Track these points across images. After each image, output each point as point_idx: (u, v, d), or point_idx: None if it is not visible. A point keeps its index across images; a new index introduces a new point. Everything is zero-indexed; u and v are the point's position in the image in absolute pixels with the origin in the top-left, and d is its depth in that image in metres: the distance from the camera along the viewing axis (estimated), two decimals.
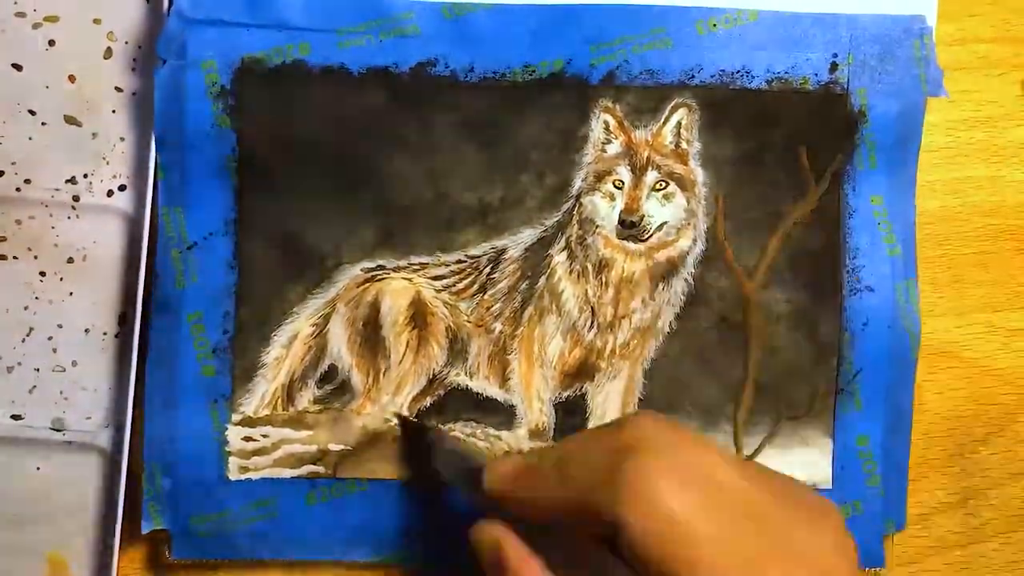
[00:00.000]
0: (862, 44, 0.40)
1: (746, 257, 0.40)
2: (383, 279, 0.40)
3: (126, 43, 0.40)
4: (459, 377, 0.40)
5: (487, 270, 0.40)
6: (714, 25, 0.40)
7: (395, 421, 0.39)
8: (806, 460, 0.40)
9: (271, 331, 0.39)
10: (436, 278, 0.40)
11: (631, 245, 0.40)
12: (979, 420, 0.42)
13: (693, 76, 0.40)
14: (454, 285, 0.40)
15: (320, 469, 0.39)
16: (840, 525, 0.27)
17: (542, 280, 0.40)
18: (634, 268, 0.40)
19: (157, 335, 0.39)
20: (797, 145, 0.40)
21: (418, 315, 0.40)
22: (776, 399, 0.40)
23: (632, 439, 0.26)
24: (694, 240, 0.40)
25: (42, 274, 0.40)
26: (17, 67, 0.40)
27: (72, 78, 0.40)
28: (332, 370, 0.40)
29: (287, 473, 0.39)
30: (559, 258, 0.40)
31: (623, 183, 0.40)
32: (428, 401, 0.40)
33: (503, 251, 0.40)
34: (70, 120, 0.40)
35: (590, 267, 0.40)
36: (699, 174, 0.40)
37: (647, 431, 0.27)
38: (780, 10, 0.40)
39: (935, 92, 0.40)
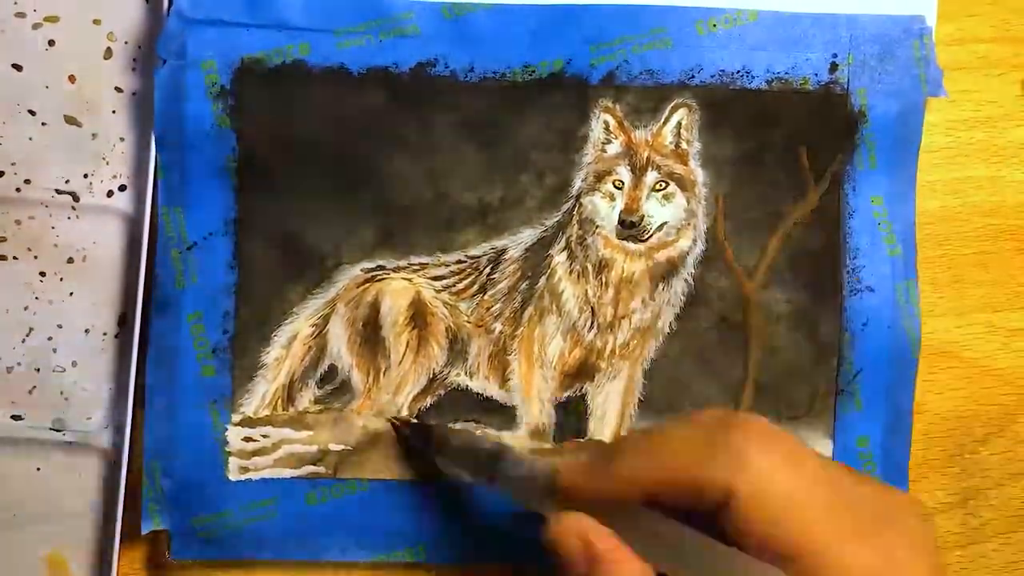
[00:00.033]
0: (862, 44, 0.40)
1: (746, 257, 0.40)
2: (383, 279, 0.40)
3: (126, 43, 0.40)
4: (459, 377, 0.40)
5: (487, 270, 0.40)
6: (714, 25, 0.40)
7: (397, 426, 0.39)
8: None
9: (271, 331, 0.39)
10: (436, 278, 0.40)
11: (631, 245, 0.40)
12: (979, 420, 0.42)
13: (693, 76, 0.40)
14: (454, 285, 0.40)
15: (320, 469, 0.39)
16: (918, 506, 0.28)
17: (542, 280, 0.40)
18: (634, 268, 0.40)
19: (157, 335, 0.39)
20: (797, 145, 0.40)
21: (418, 315, 0.40)
22: (776, 399, 0.40)
23: (731, 419, 0.27)
24: (694, 240, 0.40)
25: (42, 274, 0.40)
26: (17, 67, 0.40)
27: (72, 78, 0.40)
28: (332, 370, 0.40)
29: (287, 473, 0.39)
30: (559, 258, 0.40)
31: (623, 183, 0.40)
32: (428, 401, 0.40)
33: (503, 251, 0.40)
34: (70, 120, 0.40)
35: (590, 267, 0.40)
36: (699, 174, 0.40)
37: (742, 415, 0.28)
38: (780, 10, 0.40)
39: (935, 92, 0.40)
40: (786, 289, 0.40)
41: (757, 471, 0.26)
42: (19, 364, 0.40)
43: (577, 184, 0.40)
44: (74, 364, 0.40)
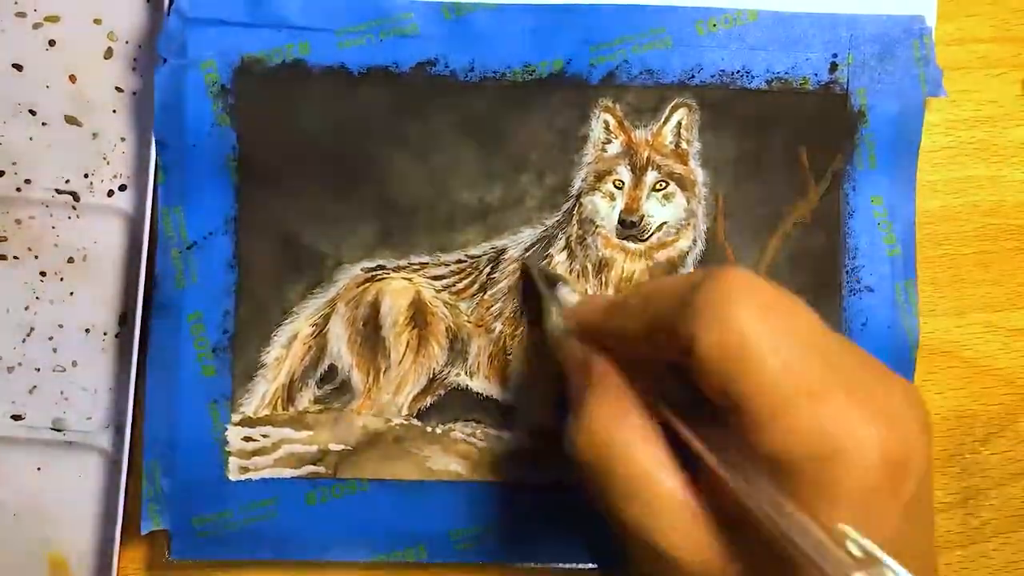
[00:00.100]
0: (862, 44, 0.40)
1: (746, 257, 0.40)
2: (383, 279, 0.40)
3: (126, 43, 0.40)
4: (459, 377, 0.40)
5: (487, 270, 0.40)
6: (714, 25, 0.40)
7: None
8: None
9: (271, 331, 0.39)
10: (436, 278, 0.40)
11: (631, 245, 0.40)
12: (979, 420, 0.42)
13: (693, 76, 0.40)
14: (454, 285, 0.40)
15: (320, 469, 0.39)
16: (912, 387, 0.26)
17: None
18: (634, 268, 0.40)
19: (157, 335, 0.39)
20: (797, 145, 0.40)
21: (418, 315, 0.40)
22: None
23: (716, 270, 0.26)
24: (694, 240, 0.40)
25: (42, 274, 0.40)
26: (17, 67, 0.40)
27: (72, 78, 0.40)
28: (332, 370, 0.40)
29: (287, 473, 0.39)
30: (559, 258, 0.40)
31: (623, 183, 0.40)
32: (428, 401, 0.40)
33: (503, 251, 0.40)
34: (70, 120, 0.40)
35: (590, 267, 0.40)
36: (699, 174, 0.40)
37: (730, 267, 0.26)
38: (780, 10, 0.40)
39: (935, 92, 0.40)
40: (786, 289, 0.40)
41: (721, 320, 0.24)
42: (19, 364, 0.40)
43: (577, 184, 0.40)
44: (74, 364, 0.40)
